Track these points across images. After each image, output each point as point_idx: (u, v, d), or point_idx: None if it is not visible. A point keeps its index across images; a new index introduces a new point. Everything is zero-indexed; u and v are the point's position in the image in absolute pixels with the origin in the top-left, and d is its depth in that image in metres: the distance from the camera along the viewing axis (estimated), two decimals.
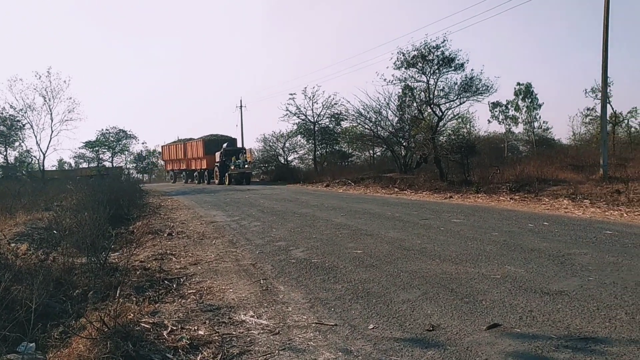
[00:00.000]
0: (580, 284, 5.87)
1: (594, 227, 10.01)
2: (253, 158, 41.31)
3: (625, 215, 11.34)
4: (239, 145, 44.38)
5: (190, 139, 46.42)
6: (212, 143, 41.64)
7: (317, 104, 39.67)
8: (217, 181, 38.81)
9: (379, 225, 11.32)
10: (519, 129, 49.81)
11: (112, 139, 63.93)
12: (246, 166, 37.11)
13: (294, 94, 60.08)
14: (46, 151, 39.96)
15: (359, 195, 21.82)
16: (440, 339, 4.45)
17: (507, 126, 49.07)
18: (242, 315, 5.44)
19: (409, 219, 12.12)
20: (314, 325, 5.02)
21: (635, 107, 39.22)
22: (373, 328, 4.84)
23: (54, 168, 51.77)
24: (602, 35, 19.38)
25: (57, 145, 69.97)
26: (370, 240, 9.53)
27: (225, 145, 39.32)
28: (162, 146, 52.43)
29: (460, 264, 7.18)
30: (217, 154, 39.04)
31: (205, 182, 41.25)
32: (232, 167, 36.44)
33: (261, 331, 4.92)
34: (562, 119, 66.92)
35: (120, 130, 64.18)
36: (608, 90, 24.24)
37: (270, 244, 9.70)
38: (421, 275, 6.64)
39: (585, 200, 14.14)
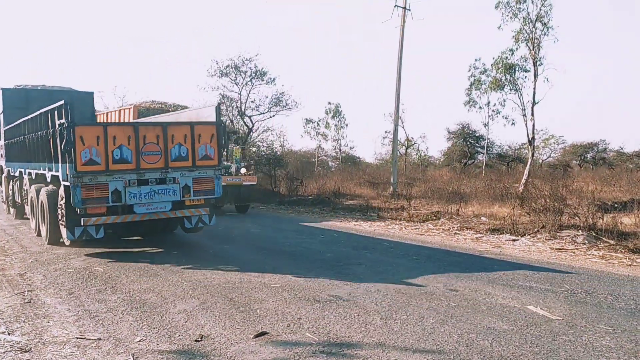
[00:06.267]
0: (349, 292, 6.30)
1: (375, 239, 10.92)
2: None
3: (403, 229, 12.59)
4: None
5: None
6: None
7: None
8: None
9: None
10: (328, 146, 52.68)
11: None
12: (243, 170, 17.15)
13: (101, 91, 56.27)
14: None
15: None
16: (206, 349, 4.43)
17: (318, 142, 51.62)
18: None
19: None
20: (74, 340, 4.65)
21: (424, 134, 44.22)
22: (140, 341, 4.65)
23: None
24: (396, 66, 21.47)
25: None
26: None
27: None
28: None
29: (244, 273, 7.27)
30: None
31: None
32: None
33: (9, 349, 4.42)
34: (370, 139, 72.92)
35: None
36: (401, 116, 26.82)
37: (49, 252, 8.85)
38: (203, 285, 6.59)
39: (373, 214, 15.41)
